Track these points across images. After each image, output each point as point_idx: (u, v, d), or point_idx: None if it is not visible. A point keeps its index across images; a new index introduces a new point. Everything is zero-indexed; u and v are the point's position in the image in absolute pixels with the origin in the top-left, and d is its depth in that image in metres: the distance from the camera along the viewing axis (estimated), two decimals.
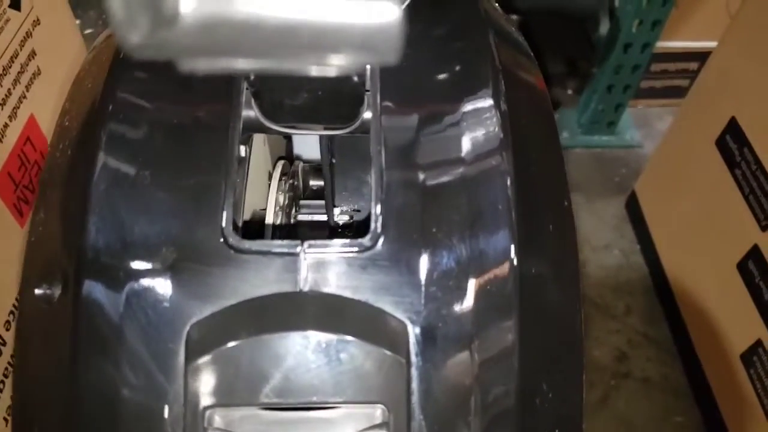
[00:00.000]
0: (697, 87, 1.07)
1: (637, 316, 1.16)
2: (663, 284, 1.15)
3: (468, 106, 0.36)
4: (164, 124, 0.34)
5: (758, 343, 0.90)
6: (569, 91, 1.35)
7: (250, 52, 0.14)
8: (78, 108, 0.37)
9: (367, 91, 0.34)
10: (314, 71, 0.15)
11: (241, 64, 0.14)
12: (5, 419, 0.71)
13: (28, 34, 0.76)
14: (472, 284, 0.32)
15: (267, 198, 0.46)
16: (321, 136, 0.38)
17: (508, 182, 0.34)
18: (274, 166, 0.51)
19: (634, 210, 1.26)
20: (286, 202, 0.45)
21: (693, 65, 1.38)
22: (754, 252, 0.91)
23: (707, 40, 1.25)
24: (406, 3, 0.20)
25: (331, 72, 0.15)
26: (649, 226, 1.20)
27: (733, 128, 0.95)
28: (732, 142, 0.96)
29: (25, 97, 0.76)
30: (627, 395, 1.08)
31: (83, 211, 0.32)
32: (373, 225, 0.31)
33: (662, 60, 1.36)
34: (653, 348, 1.13)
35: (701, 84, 1.06)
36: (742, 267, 0.93)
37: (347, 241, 0.31)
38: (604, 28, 1.27)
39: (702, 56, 1.32)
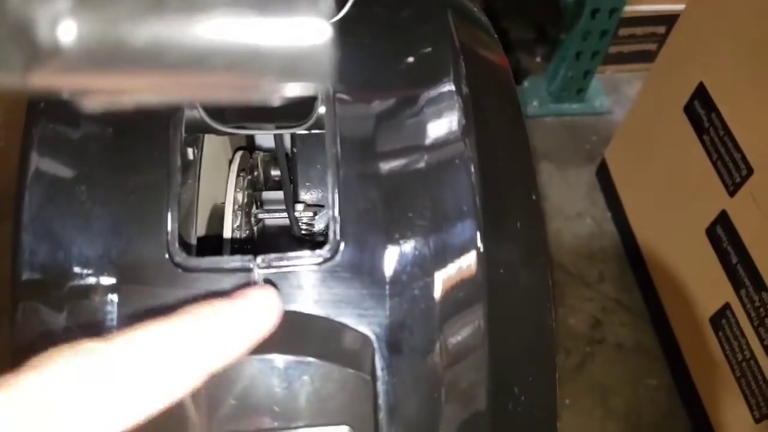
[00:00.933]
0: (665, 52, 1.06)
1: (611, 283, 1.18)
2: (635, 251, 1.16)
3: (428, 92, 0.34)
4: (101, 131, 0.31)
5: (726, 306, 0.92)
6: (537, 59, 1.33)
7: (156, 84, 0.12)
8: (5, 117, 0.34)
9: (308, 93, 0.32)
10: (237, 99, 0.13)
11: (149, 98, 0.12)
12: None
13: None
14: (438, 286, 0.30)
15: (225, 193, 0.43)
16: (276, 137, 0.36)
17: (473, 170, 0.32)
18: (232, 157, 0.48)
19: (604, 177, 1.26)
20: (245, 200, 0.43)
21: (661, 29, 1.37)
22: (723, 217, 0.91)
23: (675, 3, 1.23)
24: (340, 15, 0.18)
25: (256, 99, 0.13)
26: (620, 193, 1.21)
27: (701, 94, 0.95)
28: (700, 107, 0.96)
29: None
30: (602, 361, 1.10)
31: (16, 230, 0.29)
32: (331, 234, 0.30)
33: (630, 24, 1.35)
34: (626, 314, 1.14)
35: (669, 49, 1.05)
36: (710, 232, 0.94)
37: (304, 252, 0.29)
38: None
39: (670, 19, 1.31)
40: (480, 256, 0.31)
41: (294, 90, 0.13)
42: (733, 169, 0.89)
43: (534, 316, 0.33)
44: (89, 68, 0.11)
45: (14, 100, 0.36)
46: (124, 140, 0.31)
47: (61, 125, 0.31)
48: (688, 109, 0.98)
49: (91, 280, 0.29)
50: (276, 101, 0.13)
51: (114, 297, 0.29)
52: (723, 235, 0.92)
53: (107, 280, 0.29)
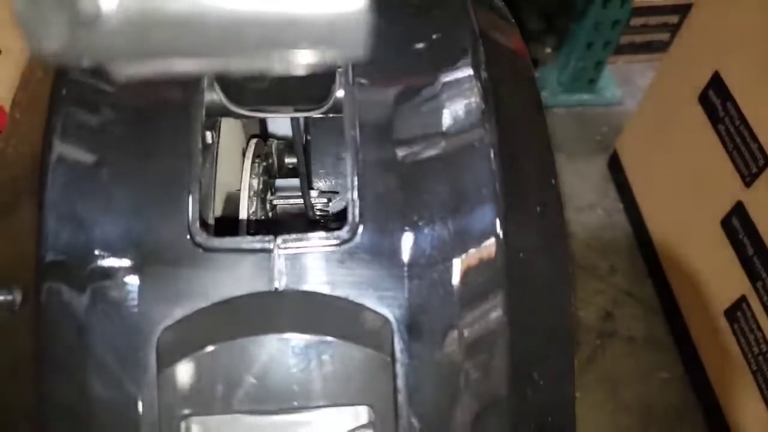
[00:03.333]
0: (679, 41, 1.04)
1: (622, 275, 1.17)
2: (647, 243, 1.15)
3: (447, 77, 0.33)
4: (123, 114, 0.31)
5: (742, 299, 0.91)
6: (548, 49, 1.32)
7: (192, 53, 0.12)
8: (29, 99, 0.35)
9: (339, 68, 0.32)
10: (270, 70, 0.13)
11: (184, 66, 0.12)
12: None
13: None
14: (457, 271, 0.30)
15: (241, 179, 0.43)
16: (292, 120, 0.36)
17: (492, 156, 0.32)
18: (247, 145, 0.48)
19: (616, 168, 1.25)
20: (260, 186, 0.43)
21: (674, 18, 1.35)
22: (738, 208, 0.91)
23: None
24: None
25: (289, 70, 0.13)
26: (632, 184, 1.20)
27: (716, 82, 0.94)
28: (715, 96, 0.94)
29: None
30: (613, 354, 1.09)
31: (40, 212, 0.30)
32: (350, 216, 0.30)
33: (642, 14, 1.33)
34: (638, 306, 1.14)
35: (683, 38, 1.03)
36: (726, 224, 0.93)
37: (324, 233, 0.29)
38: None
39: (683, 9, 1.29)
40: (500, 242, 0.31)
41: (328, 58, 0.13)
42: (749, 159, 0.88)
43: (553, 301, 0.33)
44: (129, 36, 0.11)
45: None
46: (144, 123, 0.31)
47: (82, 110, 0.32)
48: (703, 99, 0.97)
49: (113, 260, 0.29)
50: (306, 72, 0.13)
51: (136, 277, 0.29)
52: (739, 226, 0.91)
53: (129, 261, 0.29)
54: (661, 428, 1.03)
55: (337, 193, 0.42)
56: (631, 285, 1.16)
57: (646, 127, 1.16)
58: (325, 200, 0.43)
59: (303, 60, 0.12)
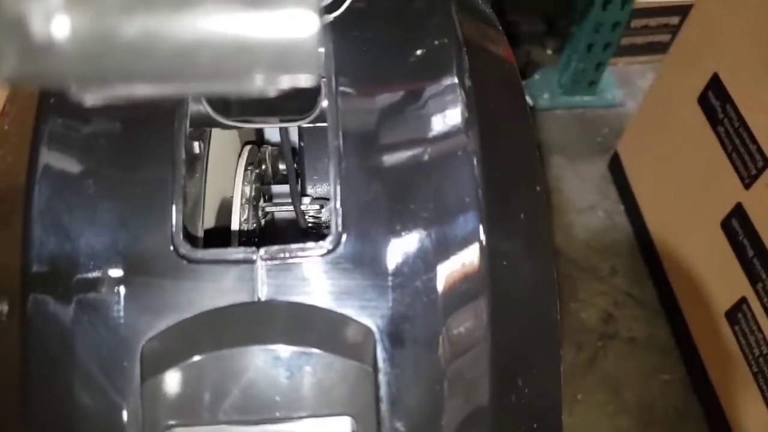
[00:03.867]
0: (679, 43, 1.04)
1: (623, 276, 1.17)
2: (648, 244, 1.15)
3: (431, 86, 0.34)
4: (108, 126, 0.32)
5: (743, 300, 0.91)
6: (549, 51, 1.32)
7: (145, 77, 0.12)
8: (17, 111, 0.35)
9: (323, 77, 0.32)
10: (225, 91, 0.13)
11: (139, 90, 0.12)
12: None
13: None
14: (440, 279, 0.30)
15: (234, 186, 0.44)
16: (281, 130, 0.36)
17: (475, 163, 0.32)
18: (240, 152, 0.49)
19: (617, 170, 1.25)
20: (253, 193, 0.43)
21: (674, 19, 1.35)
22: (738, 210, 0.90)
23: None
24: (338, 12, 0.18)
25: (244, 91, 0.13)
26: (633, 186, 1.20)
27: (715, 85, 0.93)
28: (714, 99, 0.94)
29: None
30: (614, 355, 1.09)
31: (26, 223, 0.30)
32: (333, 226, 0.30)
33: (643, 15, 1.33)
34: (639, 308, 1.13)
35: (682, 40, 1.03)
36: (726, 225, 0.93)
37: (307, 244, 0.30)
38: None
39: (683, 10, 1.29)
40: (483, 249, 0.31)
41: (283, 82, 0.13)
42: (748, 161, 0.88)
43: (538, 308, 0.33)
44: (83, 61, 0.11)
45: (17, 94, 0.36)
46: (130, 135, 0.32)
47: (69, 121, 0.32)
48: (702, 101, 0.96)
49: (99, 271, 0.29)
50: (270, 93, 0.14)
51: (121, 288, 0.29)
52: (739, 228, 0.91)
53: (114, 272, 0.29)
54: (662, 430, 1.02)
55: (328, 199, 0.42)
56: (632, 286, 1.15)
57: (646, 129, 1.16)
58: (317, 207, 0.43)
59: (255, 84, 0.12)
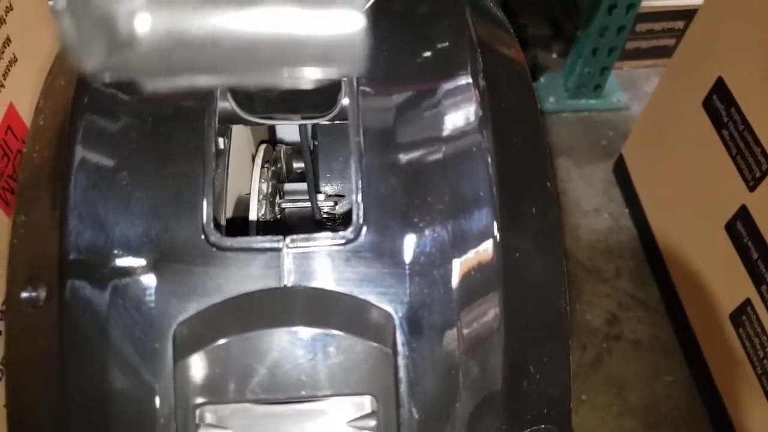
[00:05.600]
0: (683, 47, 1.05)
1: (627, 278, 1.18)
2: (652, 246, 1.16)
3: (446, 86, 0.35)
4: (141, 121, 0.33)
5: (747, 302, 0.92)
6: (554, 55, 1.33)
7: (213, 69, 0.14)
8: (52, 106, 0.37)
9: (344, 78, 0.34)
10: (280, 84, 0.15)
11: (206, 81, 0.14)
12: None
13: (2, 21, 0.74)
14: (456, 270, 0.32)
15: (251, 184, 0.45)
16: (300, 126, 0.38)
17: (489, 161, 0.33)
18: (256, 151, 0.50)
19: (622, 173, 1.26)
20: (270, 190, 0.45)
21: (679, 24, 1.36)
22: (742, 212, 0.91)
23: None
24: (369, 3, 0.19)
25: (297, 84, 0.14)
26: (637, 188, 1.21)
27: (720, 88, 0.95)
28: (719, 102, 0.95)
29: (2, 85, 0.74)
30: (619, 357, 1.10)
31: (63, 213, 0.31)
32: (354, 217, 0.31)
33: (648, 20, 1.34)
34: (643, 310, 1.14)
35: (687, 44, 1.04)
36: (730, 227, 0.94)
37: (329, 234, 0.31)
38: None
39: (688, 14, 1.30)
40: (496, 241, 0.32)
41: (330, 74, 0.14)
42: (753, 164, 0.89)
43: (548, 299, 0.35)
44: (159, 54, 0.13)
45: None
46: (162, 130, 0.33)
47: (103, 117, 0.34)
48: (707, 104, 0.98)
49: (132, 259, 0.31)
50: (311, 86, 0.15)
51: (153, 275, 0.31)
52: (743, 230, 0.92)
53: (147, 259, 0.31)
54: (666, 431, 1.03)
55: (343, 196, 0.44)
56: (637, 288, 1.16)
57: (651, 132, 1.17)
58: (331, 203, 0.44)
59: (307, 75, 0.14)
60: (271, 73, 0.14)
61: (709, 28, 0.98)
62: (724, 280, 0.97)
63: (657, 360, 1.09)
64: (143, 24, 0.12)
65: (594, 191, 1.28)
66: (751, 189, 0.89)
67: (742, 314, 0.93)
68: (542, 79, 1.39)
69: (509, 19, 0.45)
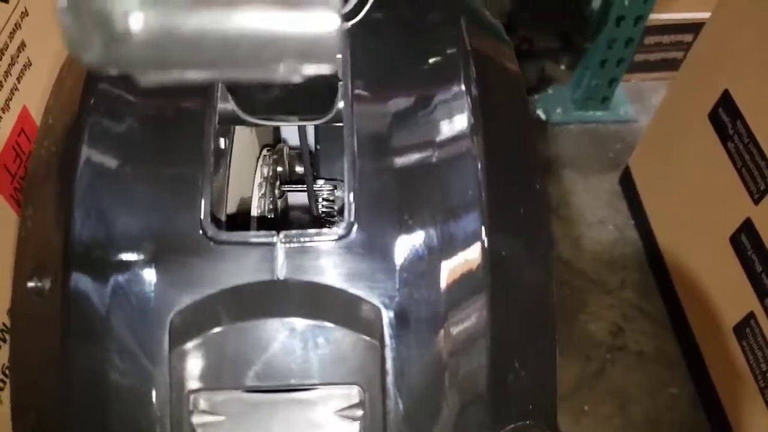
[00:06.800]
0: (690, 59, 1.06)
1: (632, 290, 1.18)
2: (657, 258, 1.16)
3: (439, 92, 0.36)
4: (144, 120, 0.35)
5: (750, 315, 0.91)
6: (562, 67, 1.34)
7: (200, 64, 0.15)
8: (60, 105, 0.38)
9: (341, 81, 0.35)
10: (261, 79, 0.16)
11: (193, 75, 0.15)
12: None
13: (17, 26, 0.76)
14: (444, 268, 0.33)
15: (253, 183, 0.47)
16: (299, 127, 0.39)
17: (479, 166, 0.35)
18: (260, 153, 0.52)
19: (628, 185, 1.26)
20: (270, 189, 0.46)
21: (687, 37, 1.37)
22: (747, 225, 0.91)
23: (701, 11, 1.23)
24: (357, 18, 0.20)
25: (276, 80, 0.16)
26: (643, 201, 1.21)
27: (726, 101, 0.95)
28: (725, 115, 0.96)
29: (16, 89, 0.76)
30: (622, 368, 1.10)
31: (68, 206, 0.33)
32: (346, 214, 0.32)
33: (656, 33, 1.35)
34: (647, 321, 1.14)
35: (694, 57, 1.05)
36: (735, 240, 0.94)
37: (322, 230, 0.32)
38: (596, 1, 1.26)
39: (696, 28, 1.30)
40: (484, 239, 0.33)
41: (308, 70, 0.15)
42: (758, 177, 0.89)
43: (535, 297, 0.36)
44: (151, 50, 0.14)
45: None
46: (164, 130, 0.35)
47: (108, 117, 0.35)
48: (713, 117, 0.98)
49: (133, 251, 0.32)
50: (295, 79, 0.16)
51: (152, 266, 0.32)
52: (747, 243, 0.92)
53: (147, 251, 0.32)
54: None
55: (342, 180, 0.45)
56: (641, 300, 1.16)
57: (657, 144, 1.17)
58: (330, 188, 0.46)
59: (285, 71, 0.15)
60: (252, 69, 0.15)
61: (716, 41, 0.98)
62: (728, 293, 0.97)
63: (660, 372, 1.09)
64: (137, 22, 0.14)
65: (600, 203, 1.29)
66: (756, 202, 0.89)
67: (745, 327, 0.93)
68: (550, 91, 1.39)
69: (516, 31, 0.46)
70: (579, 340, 1.12)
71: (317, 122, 0.36)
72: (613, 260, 1.21)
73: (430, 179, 0.34)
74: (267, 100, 0.33)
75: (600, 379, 1.09)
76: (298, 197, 0.51)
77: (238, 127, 0.40)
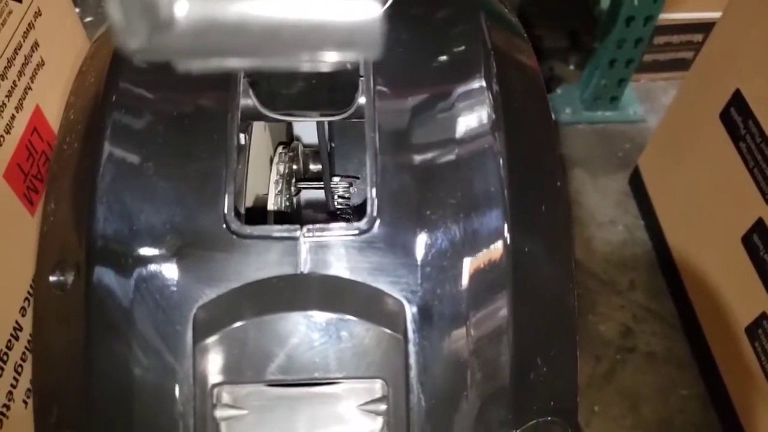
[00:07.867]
0: (701, 59, 1.06)
1: (642, 291, 1.17)
2: (667, 259, 1.15)
3: (460, 88, 0.36)
4: (166, 115, 0.35)
5: (763, 316, 0.91)
6: (571, 67, 1.34)
7: (241, 52, 0.15)
8: (82, 102, 0.38)
9: (361, 77, 0.35)
10: (301, 67, 0.16)
11: (234, 63, 0.15)
12: (24, 402, 0.73)
13: (31, 26, 0.77)
14: (466, 263, 0.33)
15: (269, 179, 0.47)
16: (318, 123, 0.39)
17: (501, 163, 0.35)
18: (275, 151, 0.52)
19: (637, 185, 1.26)
20: (286, 186, 0.46)
21: (697, 37, 1.36)
22: (759, 225, 0.91)
23: (711, 11, 1.23)
24: (388, 4, 0.20)
25: (317, 67, 0.16)
26: (653, 201, 1.21)
27: (737, 100, 0.95)
28: (736, 114, 0.95)
29: (30, 88, 0.77)
30: (633, 369, 1.09)
31: (91, 201, 0.33)
32: (369, 209, 0.32)
33: (666, 32, 1.35)
34: (658, 322, 1.14)
35: (705, 56, 1.05)
36: (746, 240, 0.93)
37: (345, 224, 0.32)
38: (605, 1, 1.25)
39: (707, 27, 1.30)
40: (506, 237, 0.33)
41: (349, 57, 0.16)
42: None
43: (556, 294, 0.35)
44: (194, 38, 0.14)
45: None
46: (186, 125, 0.35)
47: (130, 113, 0.35)
48: (724, 116, 0.98)
49: (156, 245, 0.32)
50: (331, 69, 0.16)
51: (175, 261, 0.32)
52: (759, 243, 0.91)
53: (170, 246, 0.32)
54: None
55: (358, 178, 0.45)
56: (651, 301, 1.16)
57: (667, 144, 1.17)
58: (346, 184, 0.46)
59: (327, 59, 0.15)
60: (294, 56, 0.15)
61: (727, 40, 0.98)
62: (740, 294, 0.96)
63: (671, 373, 1.08)
64: (181, 9, 0.14)
65: (609, 203, 1.28)
66: None
67: (758, 328, 0.92)
68: (559, 91, 1.39)
69: (526, 30, 0.46)
70: (589, 341, 1.12)
71: (337, 118, 0.36)
72: (623, 261, 1.21)
73: (451, 175, 0.34)
74: (287, 96, 0.33)
75: (610, 380, 1.09)
76: (311, 194, 0.51)
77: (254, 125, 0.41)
